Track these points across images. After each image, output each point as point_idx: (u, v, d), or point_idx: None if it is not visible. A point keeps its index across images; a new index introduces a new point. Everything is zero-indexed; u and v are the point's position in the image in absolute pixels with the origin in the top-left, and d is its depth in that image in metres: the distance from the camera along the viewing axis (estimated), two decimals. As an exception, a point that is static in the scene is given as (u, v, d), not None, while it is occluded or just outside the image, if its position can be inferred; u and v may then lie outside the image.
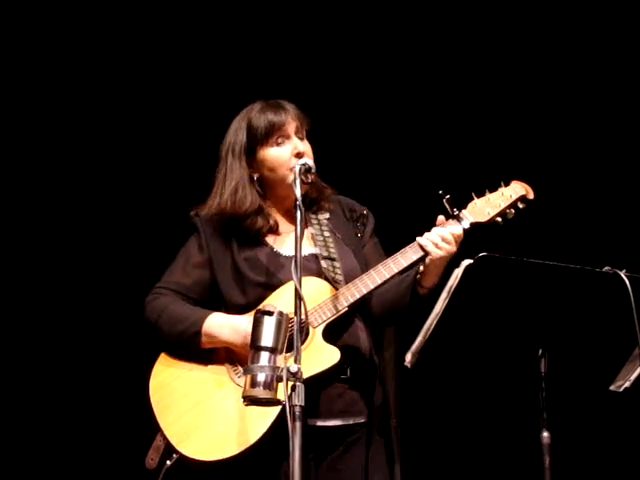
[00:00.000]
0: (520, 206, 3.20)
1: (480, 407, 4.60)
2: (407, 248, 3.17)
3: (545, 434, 2.89)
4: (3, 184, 4.73)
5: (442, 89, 4.75)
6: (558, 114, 4.72)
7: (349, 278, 3.22)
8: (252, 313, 3.07)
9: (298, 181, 3.04)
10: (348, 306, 3.17)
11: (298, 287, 2.85)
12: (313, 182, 3.21)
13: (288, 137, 3.30)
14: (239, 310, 3.26)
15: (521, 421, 3.90)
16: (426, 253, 3.13)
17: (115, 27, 4.73)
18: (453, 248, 3.11)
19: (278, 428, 2.94)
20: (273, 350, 2.82)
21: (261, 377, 2.80)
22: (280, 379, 2.77)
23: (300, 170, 3.08)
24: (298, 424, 2.74)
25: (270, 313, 2.86)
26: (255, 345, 2.84)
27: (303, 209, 2.97)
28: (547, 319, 2.89)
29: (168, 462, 3.13)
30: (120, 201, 4.73)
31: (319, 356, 3.13)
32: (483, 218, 3.18)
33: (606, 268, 2.83)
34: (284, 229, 3.37)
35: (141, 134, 4.75)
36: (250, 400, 2.82)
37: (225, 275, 3.31)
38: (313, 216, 3.36)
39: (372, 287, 3.17)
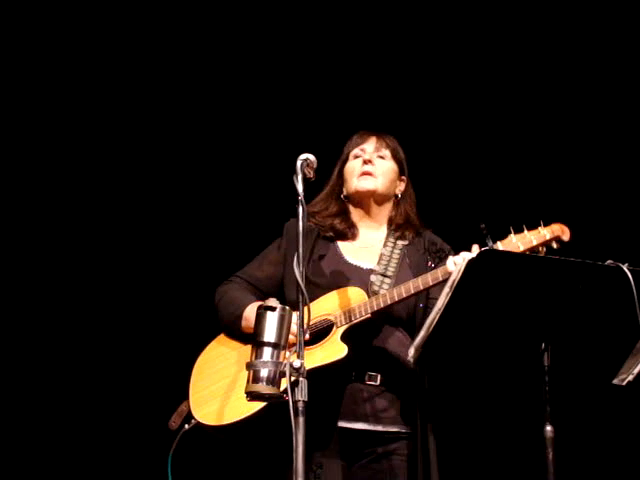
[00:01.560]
0: (554, 246, 3.27)
1: (483, 401, 4.60)
2: (437, 269, 3.30)
3: (548, 428, 2.90)
4: (15, 184, 4.76)
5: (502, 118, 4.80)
6: (558, 113, 4.72)
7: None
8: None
9: (300, 176, 3.04)
10: (372, 313, 3.32)
11: (300, 282, 2.87)
12: (404, 211, 3.56)
13: (365, 151, 3.61)
14: (292, 305, 3.31)
15: (524, 415, 3.90)
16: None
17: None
18: None
19: (276, 407, 3.04)
20: (276, 345, 2.83)
21: (264, 372, 2.80)
22: (283, 374, 2.77)
23: (302, 165, 3.08)
24: (301, 419, 2.74)
25: (273, 309, 2.86)
26: (258, 340, 2.84)
27: (305, 204, 2.99)
28: (550, 313, 2.89)
29: (186, 426, 3.39)
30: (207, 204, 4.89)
31: (329, 351, 3.28)
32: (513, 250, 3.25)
33: (609, 262, 2.83)
34: (363, 240, 3.60)
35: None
36: (252, 395, 2.82)
37: (290, 272, 3.37)
38: (391, 239, 3.57)
39: (397, 299, 3.31)
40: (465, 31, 4.81)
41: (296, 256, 2.92)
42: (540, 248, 3.26)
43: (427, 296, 3.44)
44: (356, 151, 3.64)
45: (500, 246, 3.24)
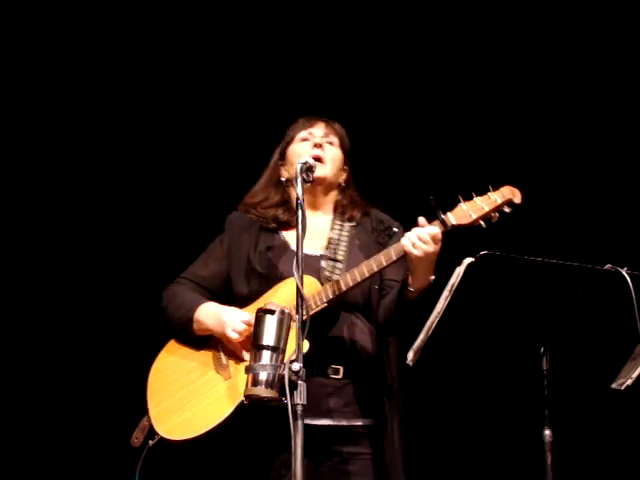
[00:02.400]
0: (506, 210, 3.16)
1: (482, 405, 4.60)
2: (390, 248, 3.19)
3: (547, 432, 2.89)
4: (7, 184, 4.74)
5: (434, 90, 4.75)
6: (558, 112, 4.72)
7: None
8: (253, 304, 3.24)
9: (299, 180, 3.04)
10: (328, 302, 3.19)
11: (300, 286, 2.86)
12: (346, 188, 3.41)
13: (313, 135, 3.47)
14: (243, 300, 3.34)
15: (523, 419, 3.90)
16: (405, 253, 3.13)
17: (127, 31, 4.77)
18: (430, 248, 3.08)
19: (243, 412, 3.05)
20: (275, 349, 2.83)
21: (263, 376, 2.80)
22: (282, 378, 2.77)
23: (301, 168, 3.08)
24: (300, 423, 2.74)
25: (272, 312, 2.86)
26: (257, 344, 2.84)
27: (304, 208, 2.98)
28: (549, 317, 2.89)
29: (150, 442, 3.25)
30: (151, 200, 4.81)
31: (289, 347, 3.07)
32: (465, 221, 3.15)
33: (608, 266, 2.83)
34: (308, 228, 3.28)
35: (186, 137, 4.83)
36: (252, 399, 2.82)
37: (237, 266, 3.41)
38: (338, 222, 3.44)
39: (351, 284, 3.19)
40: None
41: (295, 259, 2.90)
42: (493, 214, 3.16)
43: (381, 277, 3.32)
44: (303, 134, 3.48)
45: (451, 217, 3.14)
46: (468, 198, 3.19)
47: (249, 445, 3.20)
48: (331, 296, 3.19)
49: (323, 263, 3.30)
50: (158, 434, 3.24)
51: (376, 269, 3.17)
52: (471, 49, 4.75)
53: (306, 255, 3.18)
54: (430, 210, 3.15)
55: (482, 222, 3.16)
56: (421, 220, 3.13)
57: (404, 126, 4.77)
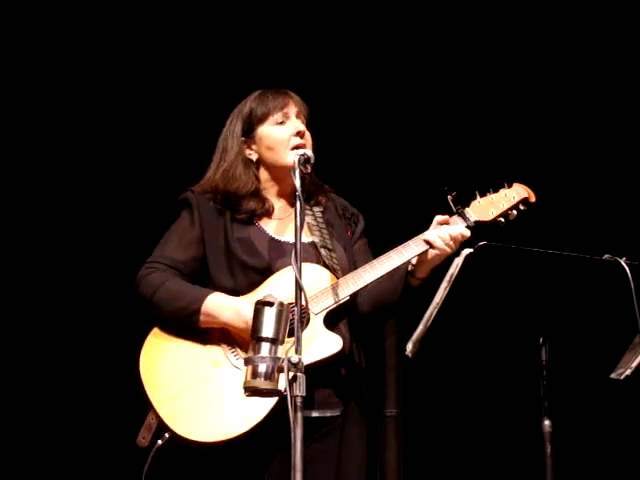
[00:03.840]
0: (522, 208, 3.26)
1: (482, 396, 4.61)
2: (410, 242, 3.16)
3: (546, 422, 2.90)
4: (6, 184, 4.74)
5: (445, 87, 4.76)
6: (556, 104, 4.72)
7: (344, 271, 3.22)
8: (249, 296, 3.16)
9: (297, 171, 3.01)
10: (350, 295, 3.15)
11: (299, 278, 2.84)
12: (310, 174, 3.14)
13: (289, 117, 3.31)
14: (227, 292, 3.21)
15: (522, 409, 3.91)
16: (431, 248, 3.13)
17: (110, 23, 4.73)
18: (457, 247, 3.13)
19: (276, 415, 2.96)
20: (274, 341, 2.82)
21: (262, 368, 2.79)
22: (281, 370, 2.77)
23: (299, 160, 3.05)
24: (300, 415, 2.74)
25: (271, 304, 2.85)
26: (256, 336, 2.84)
27: (303, 199, 2.94)
28: (548, 307, 2.89)
29: (159, 441, 3.09)
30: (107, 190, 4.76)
31: (320, 343, 3.11)
32: (486, 217, 3.22)
33: (606, 256, 2.83)
34: (280, 214, 3.34)
35: (135, 124, 4.76)
36: (251, 391, 2.82)
37: (216, 255, 3.26)
38: (308, 207, 3.32)
39: (376, 277, 3.15)
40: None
41: (294, 252, 2.88)
42: (510, 212, 3.25)
43: (355, 266, 3.25)
44: (278, 116, 3.29)
45: (472, 214, 3.20)
46: (481, 194, 3.25)
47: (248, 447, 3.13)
48: (354, 289, 3.15)
49: (323, 251, 3.23)
50: (170, 432, 3.08)
51: (399, 262, 3.15)
52: (476, 41, 4.76)
53: (284, 242, 3.23)
54: (445, 204, 3.18)
55: (502, 219, 3.24)
56: (442, 218, 3.18)
57: (404, 124, 4.77)
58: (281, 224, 3.33)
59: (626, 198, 4.63)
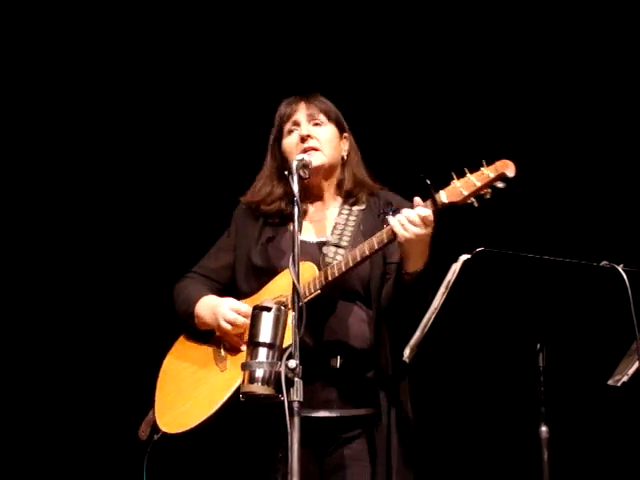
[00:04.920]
0: (499, 185, 2.99)
1: (479, 401, 4.60)
2: (383, 231, 3.09)
3: (544, 428, 2.90)
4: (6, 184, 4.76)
5: (445, 87, 4.75)
6: (556, 109, 4.72)
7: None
8: (251, 299, 3.23)
9: (295, 177, 3.03)
10: (321, 288, 3.12)
11: (296, 282, 2.85)
12: (319, 172, 3.28)
13: (298, 124, 3.36)
14: (244, 296, 3.30)
15: (520, 415, 3.90)
16: (395, 235, 3.05)
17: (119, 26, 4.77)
18: (422, 230, 3.00)
19: (240, 407, 3.01)
20: (271, 346, 2.83)
21: (259, 373, 2.80)
22: (278, 375, 2.77)
23: (297, 166, 3.07)
24: (297, 419, 2.74)
25: (268, 309, 2.86)
26: (253, 341, 2.84)
27: (300, 204, 2.96)
28: (545, 313, 2.89)
29: (155, 436, 3.25)
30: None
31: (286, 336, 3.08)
32: (456, 199, 3.00)
33: (604, 262, 2.83)
34: (314, 216, 3.37)
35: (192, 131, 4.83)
36: (248, 396, 2.82)
37: (240, 261, 3.38)
38: (347, 206, 3.36)
39: (344, 269, 3.11)
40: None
41: (292, 257, 2.89)
42: (485, 190, 3.00)
43: (384, 261, 3.24)
44: (289, 125, 3.37)
45: (443, 196, 3.00)
46: (458, 176, 3.05)
47: (253, 443, 3.19)
48: (324, 282, 3.12)
49: (325, 249, 3.23)
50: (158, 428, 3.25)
51: (368, 253, 3.08)
52: (460, 29, 4.74)
53: (310, 243, 3.24)
54: (426, 189, 3.05)
55: (474, 200, 3.02)
56: (416, 200, 3.05)
57: (396, 106, 4.76)
58: (311, 225, 3.35)
59: (624, 204, 4.63)
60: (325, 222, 3.34)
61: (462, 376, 4.52)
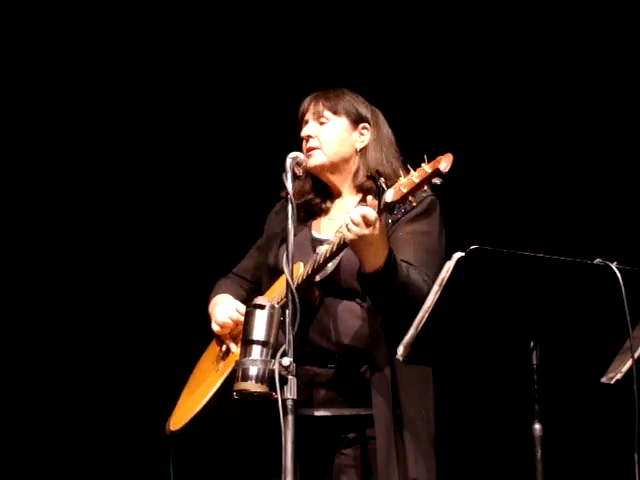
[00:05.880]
0: (437, 182, 2.87)
1: (472, 399, 4.61)
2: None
3: (537, 426, 2.89)
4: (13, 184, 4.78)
5: (445, 87, 4.76)
6: (549, 108, 4.73)
7: (346, 263, 3.16)
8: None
9: (289, 175, 3.04)
10: (296, 288, 2.99)
11: (290, 282, 2.86)
12: (319, 171, 3.29)
13: (307, 123, 3.35)
14: (263, 293, 3.32)
15: (513, 413, 3.91)
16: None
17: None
18: (363, 230, 2.92)
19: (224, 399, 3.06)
20: (265, 344, 2.83)
21: (253, 371, 2.80)
22: (272, 372, 2.77)
23: (290, 164, 3.08)
24: (290, 417, 2.74)
25: (262, 307, 2.86)
26: (247, 339, 2.84)
27: (295, 203, 2.98)
28: (539, 311, 2.89)
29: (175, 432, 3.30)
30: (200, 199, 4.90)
31: None
32: (397, 197, 2.92)
33: (597, 260, 2.83)
34: (335, 213, 3.35)
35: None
36: (242, 394, 2.82)
37: (264, 260, 3.40)
38: (363, 203, 3.23)
39: (315, 266, 3.09)
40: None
41: (285, 255, 2.90)
42: (426, 187, 2.91)
43: None
44: (302, 124, 3.35)
45: (389, 195, 2.91)
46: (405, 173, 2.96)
47: (260, 444, 3.19)
48: (300, 281, 3.07)
49: (318, 248, 3.19)
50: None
51: (335, 248, 3.05)
52: (459, 29, 4.77)
53: (318, 240, 3.25)
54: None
55: (412, 198, 2.94)
56: (367, 199, 3.01)
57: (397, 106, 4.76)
58: (329, 223, 3.32)
59: (618, 202, 4.64)
60: (339, 220, 3.20)
61: (455, 374, 4.51)
